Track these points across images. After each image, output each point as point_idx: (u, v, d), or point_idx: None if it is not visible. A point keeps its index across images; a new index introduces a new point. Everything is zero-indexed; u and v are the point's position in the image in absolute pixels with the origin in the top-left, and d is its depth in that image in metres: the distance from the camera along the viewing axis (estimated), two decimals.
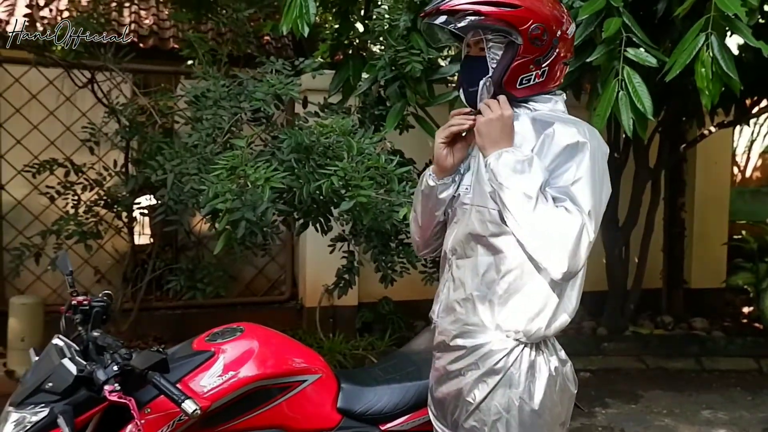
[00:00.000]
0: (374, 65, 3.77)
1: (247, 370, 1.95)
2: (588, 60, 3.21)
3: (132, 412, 1.76)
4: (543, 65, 1.80)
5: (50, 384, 1.83)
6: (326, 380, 2.11)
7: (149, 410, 1.87)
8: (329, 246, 3.77)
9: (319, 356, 2.20)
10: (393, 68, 3.67)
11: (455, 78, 3.89)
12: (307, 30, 3.54)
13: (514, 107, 1.83)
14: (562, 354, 1.89)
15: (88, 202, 4.64)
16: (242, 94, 3.53)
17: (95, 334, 1.97)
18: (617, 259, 5.65)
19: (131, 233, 4.97)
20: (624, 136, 5.56)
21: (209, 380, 1.93)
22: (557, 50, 1.81)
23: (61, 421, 1.75)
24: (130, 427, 1.86)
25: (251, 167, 2.75)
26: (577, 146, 1.73)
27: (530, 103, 1.85)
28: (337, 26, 4.72)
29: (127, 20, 6.65)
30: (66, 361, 1.86)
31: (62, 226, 4.39)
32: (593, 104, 3.42)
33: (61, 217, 4.51)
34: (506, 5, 1.75)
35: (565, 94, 1.95)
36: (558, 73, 1.85)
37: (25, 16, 4.41)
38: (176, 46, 6.38)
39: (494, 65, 1.80)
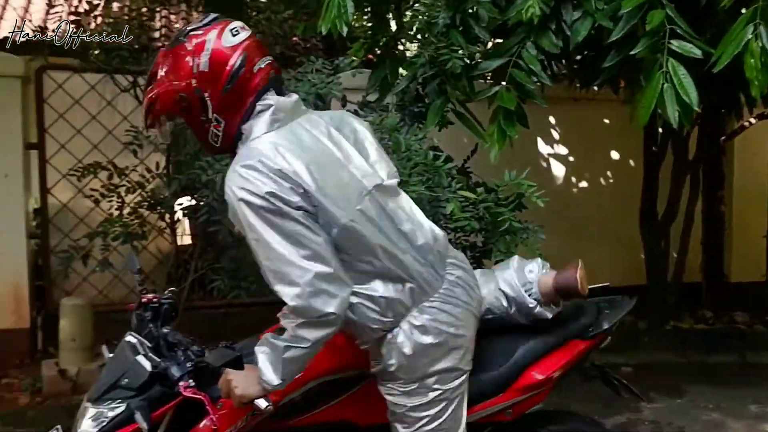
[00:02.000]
0: (414, 63, 3.79)
1: (315, 365, 1.96)
2: (632, 53, 3.21)
3: (207, 407, 1.82)
4: (210, 116, 1.79)
5: (126, 380, 1.90)
6: None
7: (221, 405, 1.91)
8: None
9: None
10: (432, 65, 3.70)
11: (495, 73, 3.92)
12: (345, 29, 3.58)
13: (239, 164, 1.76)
14: None
15: (131, 204, 4.74)
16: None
17: (165, 330, 2.02)
18: (656, 253, 5.61)
19: (174, 234, 5.05)
20: (662, 130, 5.53)
21: None
22: (206, 93, 1.77)
23: (138, 416, 1.81)
24: (204, 422, 1.89)
25: None
26: (234, 206, 1.72)
27: (237, 149, 1.83)
28: (371, 25, 4.76)
29: (158, 24, 6.73)
30: (140, 358, 1.93)
31: (108, 228, 4.49)
32: (636, 98, 3.41)
33: (106, 219, 4.60)
34: (149, 107, 1.82)
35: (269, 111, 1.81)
36: (230, 102, 1.78)
37: (72, 22, 4.50)
38: None
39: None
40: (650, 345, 5.48)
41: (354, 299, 1.81)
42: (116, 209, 4.70)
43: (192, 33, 1.80)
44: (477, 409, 2.14)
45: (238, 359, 1.86)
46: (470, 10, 3.57)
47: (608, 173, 6.24)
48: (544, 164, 5.99)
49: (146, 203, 4.73)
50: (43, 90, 4.89)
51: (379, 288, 1.84)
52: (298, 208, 1.71)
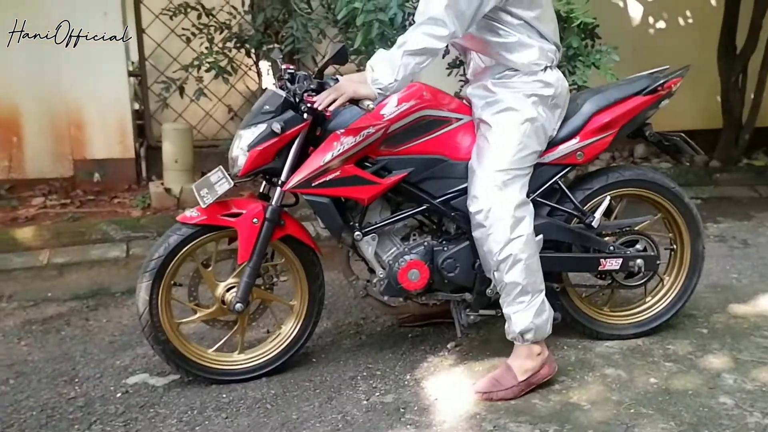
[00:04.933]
0: None
1: (416, 102, 2.45)
2: None
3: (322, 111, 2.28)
4: None
5: (266, 107, 2.39)
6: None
7: (341, 130, 2.39)
8: (446, 69, 3.96)
9: (469, 108, 2.58)
10: None
11: None
12: None
13: None
14: None
15: (219, 43, 5.03)
16: None
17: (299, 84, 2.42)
18: (733, 89, 5.58)
19: (259, 73, 5.35)
20: None
21: (388, 109, 2.42)
22: None
23: (275, 125, 2.34)
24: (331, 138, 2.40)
25: None
26: None
27: None
28: None
29: None
30: (276, 89, 2.43)
31: (202, 60, 4.81)
32: None
33: (197, 56, 4.92)
34: None
35: None
36: None
37: None
38: None
39: None
40: (722, 181, 5.53)
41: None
42: (206, 48, 5.01)
43: None
44: (553, 149, 2.56)
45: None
46: None
47: (687, 13, 6.09)
48: (622, 4, 5.91)
49: (233, 40, 5.03)
50: None
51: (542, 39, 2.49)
52: None
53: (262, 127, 2.37)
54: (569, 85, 3.74)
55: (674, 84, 2.70)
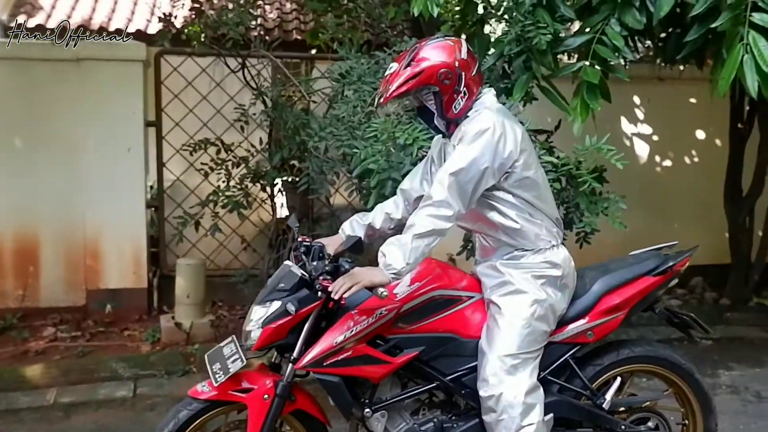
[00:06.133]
0: (501, 41, 4.02)
1: (428, 282, 2.48)
2: (713, 26, 3.35)
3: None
4: (461, 89, 2.44)
5: (282, 284, 2.41)
6: None
7: (355, 310, 2.39)
8: None
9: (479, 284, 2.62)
10: (519, 43, 3.92)
11: (579, 50, 4.10)
12: (436, 11, 3.84)
13: (461, 126, 2.46)
14: None
15: (237, 177, 5.18)
16: (380, 71, 3.89)
17: (314, 264, 2.43)
18: (741, 229, 5.65)
19: (273, 206, 5.47)
20: (748, 107, 5.56)
21: (401, 289, 2.43)
22: (463, 73, 2.44)
23: (289, 305, 2.35)
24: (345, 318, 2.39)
25: (399, 131, 3.11)
26: (479, 132, 2.36)
27: (468, 114, 2.48)
28: (459, 8, 5.01)
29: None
30: (294, 268, 2.45)
31: (217, 197, 4.94)
32: (718, 70, 3.54)
33: (214, 191, 5.06)
34: (413, 77, 2.39)
35: (493, 89, 2.58)
36: (473, 83, 2.48)
37: (191, 9, 4.97)
38: (299, 37, 6.93)
39: (433, 107, 2.47)
40: (733, 320, 5.53)
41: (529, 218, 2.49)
42: (223, 182, 5.16)
43: (447, 36, 2.58)
44: (563, 329, 2.57)
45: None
46: None
47: (693, 152, 6.27)
48: (629, 143, 6.09)
49: (250, 176, 5.18)
50: (161, 73, 5.38)
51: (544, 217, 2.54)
52: (507, 152, 2.37)
53: (276, 304, 2.38)
54: (578, 228, 3.86)
55: (683, 265, 2.73)
